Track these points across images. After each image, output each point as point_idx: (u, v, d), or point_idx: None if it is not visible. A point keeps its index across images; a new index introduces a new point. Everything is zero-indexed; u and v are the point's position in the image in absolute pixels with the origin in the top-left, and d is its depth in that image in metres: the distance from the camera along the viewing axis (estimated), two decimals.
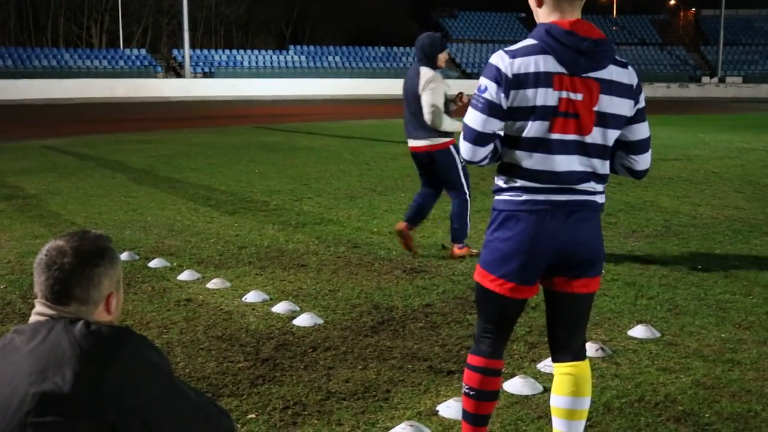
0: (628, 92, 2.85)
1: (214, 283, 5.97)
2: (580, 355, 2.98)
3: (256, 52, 53.16)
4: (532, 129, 2.80)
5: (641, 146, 2.95)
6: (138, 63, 48.23)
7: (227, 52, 52.84)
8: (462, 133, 2.91)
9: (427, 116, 6.67)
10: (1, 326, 5.04)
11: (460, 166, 6.89)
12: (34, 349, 1.83)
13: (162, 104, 38.46)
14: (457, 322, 5.06)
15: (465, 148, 2.90)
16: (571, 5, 2.82)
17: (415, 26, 69.88)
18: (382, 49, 56.56)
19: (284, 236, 7.81)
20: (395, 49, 56.88)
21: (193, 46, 49.10)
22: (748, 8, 68.06)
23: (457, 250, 6.96)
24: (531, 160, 2.83)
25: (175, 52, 51.79)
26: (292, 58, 52.54)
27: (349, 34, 66.68)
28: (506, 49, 2.85)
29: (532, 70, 2.77)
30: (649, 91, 55.50)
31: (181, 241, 7.55)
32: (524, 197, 2.86)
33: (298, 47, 54.97)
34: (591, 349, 4.40)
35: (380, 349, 4.55)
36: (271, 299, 5.57)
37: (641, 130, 2.93)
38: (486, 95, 2.82)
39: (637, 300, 5.53)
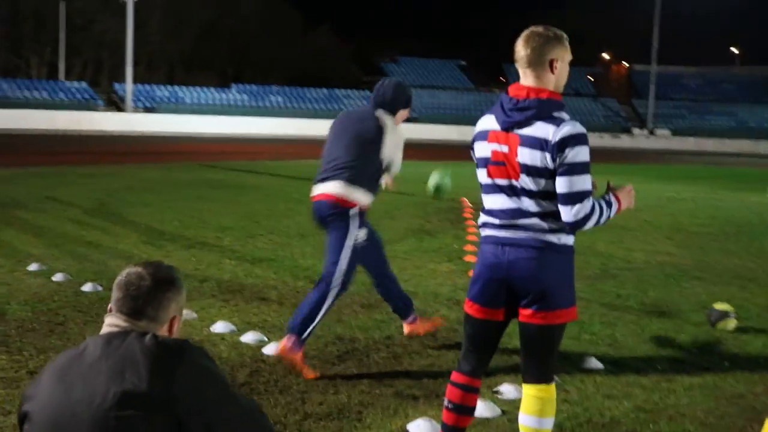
0: (544, 146, 3.18)
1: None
2: (543, 378, 3.35)
3: (198, 89, 53.25)
4: (481, 175, 3.36)
5: (562, 198, 3.21)
6: (79, 95, 47.87)
7: (169, 87, 52.81)
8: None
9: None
10: None
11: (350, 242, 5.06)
12: (110, 355, 2.13)
13: (103, 138, 38.24)
14: (417, 353, 5.42)
15: None
16: (522, 71, 3.33)
17: (357, 70, 70.96)
18: (324, 90, 57.18)
19: (243, 271, 8.07)
20: (337, 91, 57.56)
21: (135, 81, 48.93)
22: (678, 65, 71.09)
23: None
24: (485, 202, 3.39)
25: (116, 85, 51.54)
26: (235, 96, 52.75)
27: (292, 75, 67.28)
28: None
29: (484, 127, 3.38)
30: None
31: None
32: (485, 232, 3.39)
33: (241, 86, 55.22)
34: None
35: (348, 376, 4.87)
36: (238, 330, 5.84)
37: (561, 184, 3.19)
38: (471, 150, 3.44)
39: (581, 335, 5.97)
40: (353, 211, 5.05)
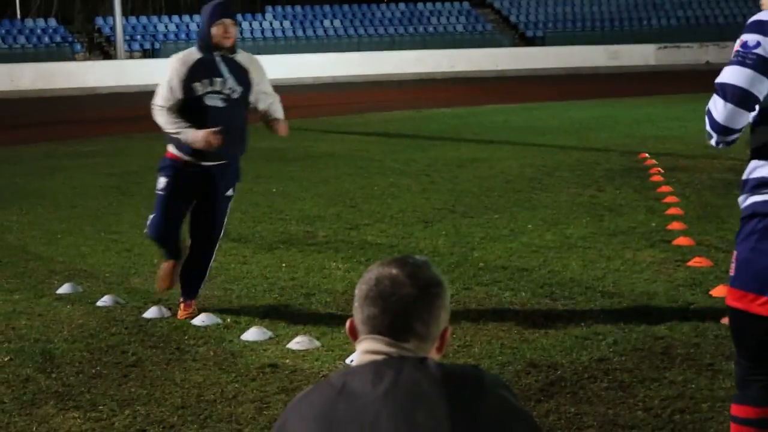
0: None
1: (297, 343, 6.57)
2: None
3: None
4: None
5: None
6: (47, 39, 49.10)
7: (175, 19, 53.74)
8: (720, 95, 3.57)
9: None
10: (36, 409, 5.62)
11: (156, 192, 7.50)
12: (389, 392, 2.38)
13: (90, 98, 39.27)
14: (653, 379, 5.66)
15: (724, 112, 3.55)
16: None
17: None
18: (401, 6, 57.37)
19: (359, 277, 8.35)
20: (419, 6, 57.69)
21: (124, 13, 49.96)
22: None
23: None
24: None
25: (99, 21, 52.70)
26: (272, 24, 53.35)
27: None
28: None
29: None
30: None
31: (218, 290, 8.14)
32: None
33: (278, 9, 55.76)
34: None
35: (566, 416, 5.15)
36: None
37: None
38: (758, 50, 3.51)
39: None
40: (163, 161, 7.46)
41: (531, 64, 49.35)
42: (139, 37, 50.38)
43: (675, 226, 10.08)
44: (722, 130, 3.58)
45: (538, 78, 45.06)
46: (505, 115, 25.11)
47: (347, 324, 2.58)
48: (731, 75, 3.55)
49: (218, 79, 7.14)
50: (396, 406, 2.36)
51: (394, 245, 9.74)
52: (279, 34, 52.86)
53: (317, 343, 6.59)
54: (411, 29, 54.98)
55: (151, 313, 7.47)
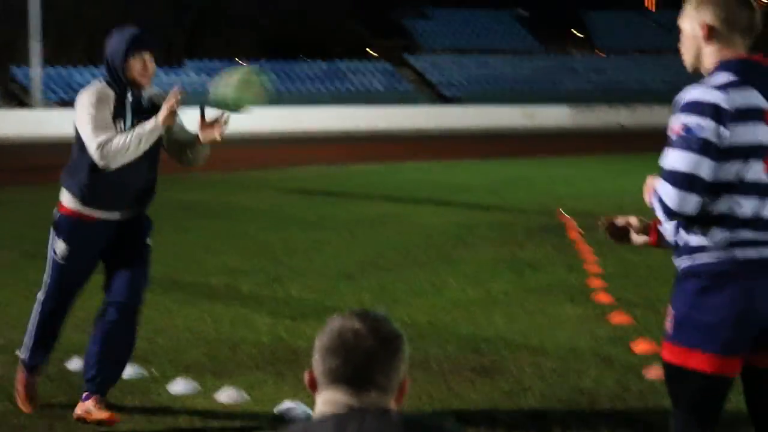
0: None
1: (226, 396, 6.52)
2: None
3: None
4: (751, 171, 3.69)
5: None
6: None
7: (93, 70, 53.42)
8: (670, 181, 3.69)
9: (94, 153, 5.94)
10: None
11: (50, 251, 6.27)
12: None
13: (5, 148, 38.75)
14: None
15: (676, 199, 3.66)
16: (744, 40, 3.84)
17: (364, 32, 71.46)
18: (321, 64, 57.70)
19: (285, 331, 8.38)
20: (338, 63, 58.08)
21: (43, 63, 49.54)
22: None
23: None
24: (746, 209, 3.68)
25: (15, 70, 52.17)
26: (191, 78, 53.29)
27: (269, 43, 67.81)
28: (710, 84, 3.72)
29: (753, 104, 3.69)
30: None
31: (144, 341, 8.03)
32: (736, 254, 3.69)
33: (198, 62, 55.82)
34: None
35: None
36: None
37: None
38: (704, 134, 3.64)
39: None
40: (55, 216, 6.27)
41: (449, 123, 49.81)
42: (56, 86, 49.98)
43: (594, 282, 10.24)
44: (674, 215, 3.71)
45: (456, 137, 45.46)
46: (424, 173, 25.31)
47: (306, 376, 2.61)
48: (678, 160, 3.67)
49: (136, 121, 6.05)
50: None
51: (318, 300, 9.76)
52: (199, 88, 52.66)
53: (246, 396, 6.56)
54: (328, 85, 55.33)
55: (75, 364, 7.36)
